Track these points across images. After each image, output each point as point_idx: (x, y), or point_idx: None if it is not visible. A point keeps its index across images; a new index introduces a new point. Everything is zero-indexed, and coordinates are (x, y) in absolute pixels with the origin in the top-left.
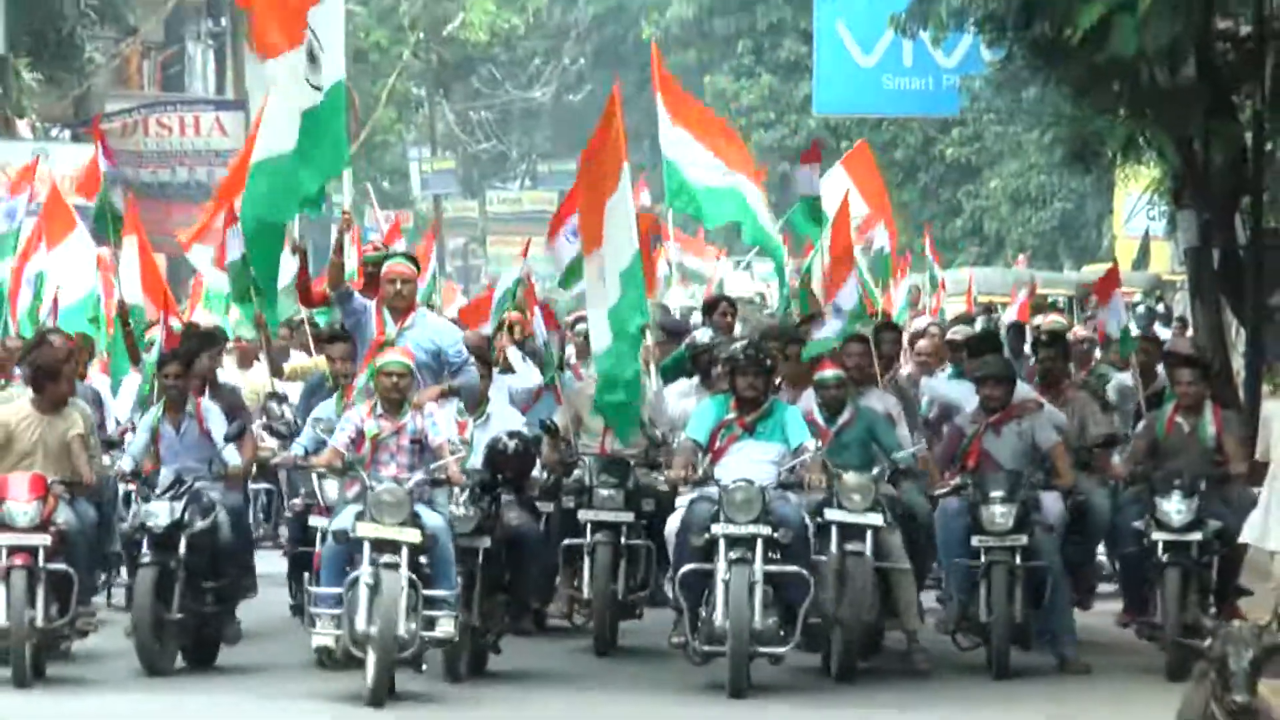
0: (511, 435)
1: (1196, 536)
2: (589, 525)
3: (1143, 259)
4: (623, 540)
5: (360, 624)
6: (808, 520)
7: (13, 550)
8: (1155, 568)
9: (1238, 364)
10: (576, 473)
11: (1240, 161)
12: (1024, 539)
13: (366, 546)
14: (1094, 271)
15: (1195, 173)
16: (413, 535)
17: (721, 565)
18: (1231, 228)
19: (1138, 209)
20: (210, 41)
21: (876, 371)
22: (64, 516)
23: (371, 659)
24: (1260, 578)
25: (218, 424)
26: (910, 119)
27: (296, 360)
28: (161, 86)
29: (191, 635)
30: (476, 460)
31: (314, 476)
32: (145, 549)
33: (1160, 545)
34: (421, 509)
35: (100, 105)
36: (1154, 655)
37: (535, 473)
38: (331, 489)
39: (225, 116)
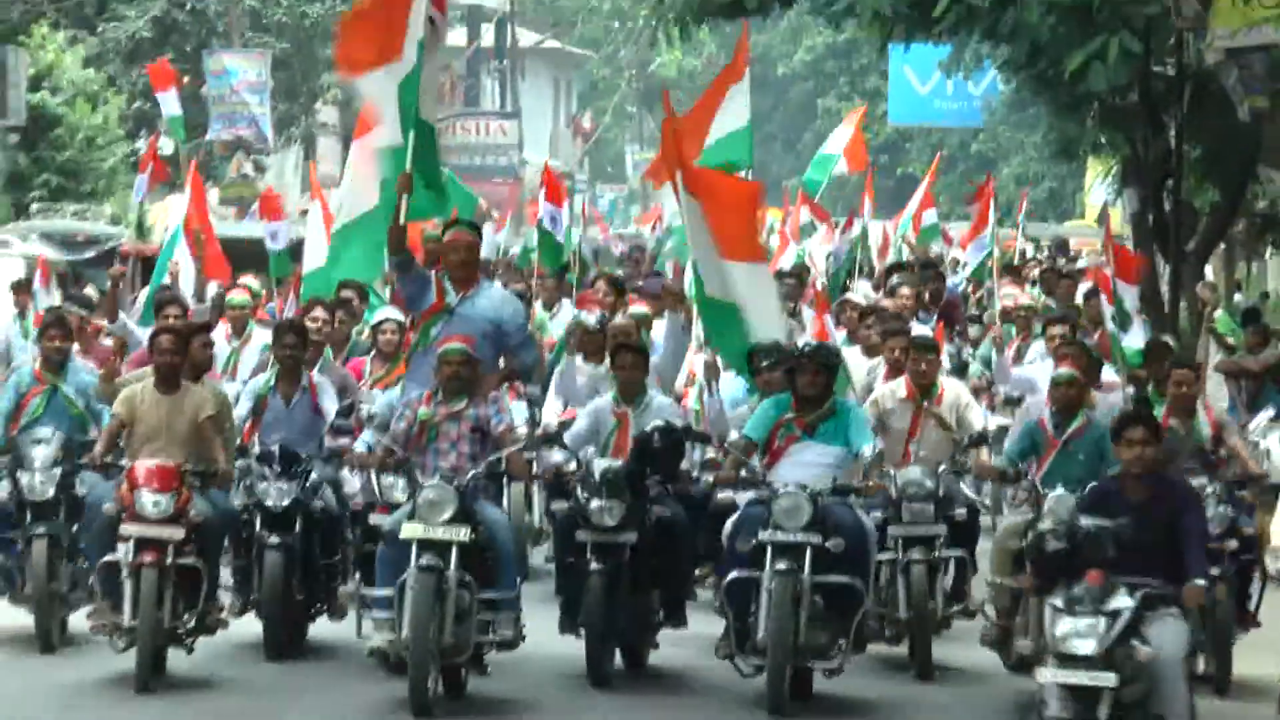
0: (658, 430)
1: None
2: (900, 540)
3: (1102, 219)
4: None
5: (405, 629)
6: (868, 526)
7: (143, 544)
8: None
9: (1164, 289)
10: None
11: (1166, 157)
12: None
13: (414, 548)
14: (1073, 226)
15: (1137, 164)
16: (460, 534)
17: (767, 574)
18: (1161, 201)
19: (1097, 186)
20: (495, 74)
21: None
22: (199, 508)
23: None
24: None
25: (330, 401)
26: (951, 127)
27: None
28: (464, 102)
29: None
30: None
31: (371, 474)
32: (261, 529)
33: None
34: (483, 505)
35: None
36: None
37: (685, 465)
38: (391, 486)
39: (505, 123)
